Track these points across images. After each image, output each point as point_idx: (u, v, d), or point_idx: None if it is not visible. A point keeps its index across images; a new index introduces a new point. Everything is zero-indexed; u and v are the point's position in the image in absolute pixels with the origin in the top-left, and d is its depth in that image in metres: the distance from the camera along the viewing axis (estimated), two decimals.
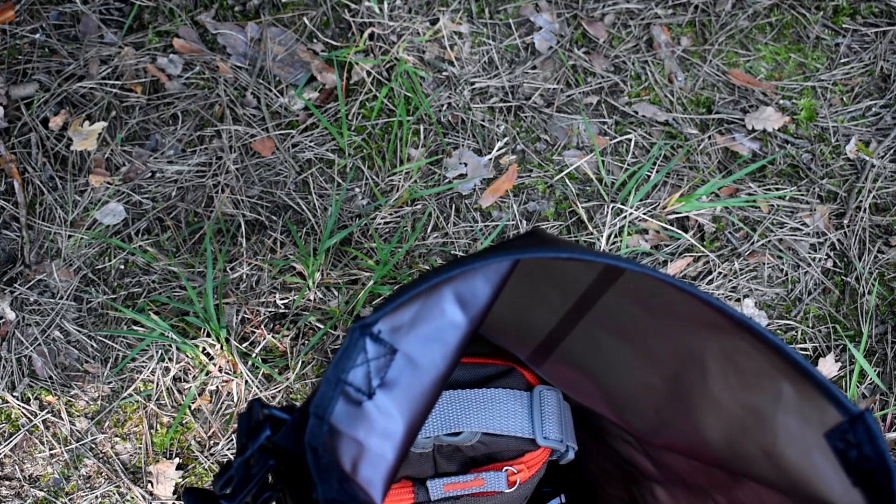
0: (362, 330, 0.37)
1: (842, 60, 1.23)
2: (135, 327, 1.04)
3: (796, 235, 1.12)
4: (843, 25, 1.24)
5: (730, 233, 1.12)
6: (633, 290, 0.46)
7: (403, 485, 0.61)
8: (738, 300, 1.09)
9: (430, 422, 0.59)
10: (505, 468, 0.60)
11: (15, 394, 1.02)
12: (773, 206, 1.14)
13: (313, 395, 0.37)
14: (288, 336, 1.04)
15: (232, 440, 1.01)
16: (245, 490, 0.34)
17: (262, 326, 1.04)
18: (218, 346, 1.01)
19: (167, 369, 1.02)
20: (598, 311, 0.51)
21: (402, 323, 0.38)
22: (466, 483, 0.59)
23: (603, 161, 1.15)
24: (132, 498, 0.99)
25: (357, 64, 1.17)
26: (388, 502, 0.60)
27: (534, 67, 1.20)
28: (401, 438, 0.38)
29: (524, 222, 1.11)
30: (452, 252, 1.09)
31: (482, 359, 0.64)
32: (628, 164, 1.15)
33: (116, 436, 1.02)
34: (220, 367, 1.02)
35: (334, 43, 1.18)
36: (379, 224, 1.10)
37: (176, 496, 0.99)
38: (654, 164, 1.15)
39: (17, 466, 1.00)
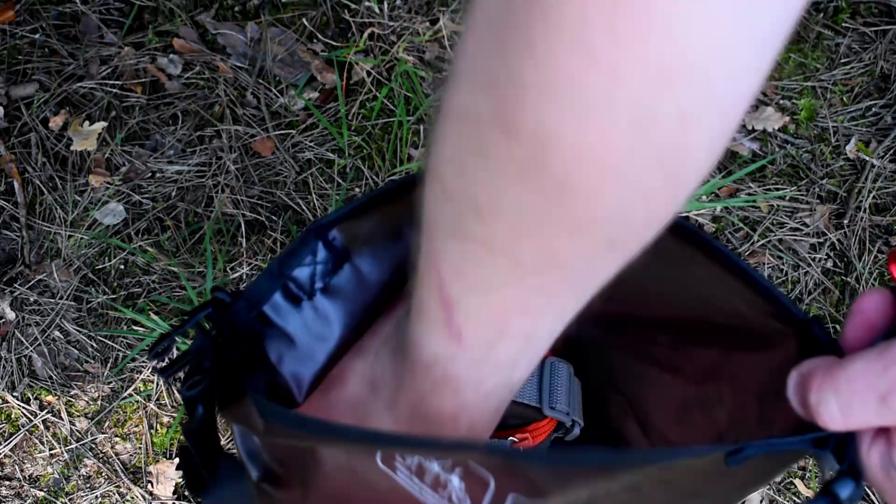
0: (317, 232, 0.37)
1: (842, 60, 1.23)
2: (135, 327, 1.04)
3: (796, 235, 1.12)
4: (844, 25, 1.24)
5: (730, 233, 1.12)
6: None
7: None
8: None
9: None
10: (509, 438, 0.60)
11: (15, 394, 1.02)
12: (773, 206, 1.14)
13: None
14: None
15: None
16: (177, 365, 0.34)
17: None
18: None
19: None
20: None
21: (358, 234, 0.37)
22: None
23: None
24: (132, 498, 0.99)
25: (357, 64, 1.17)
26: None
27: None
28: (334, 345, 0.38)
29: None
30: None
31: None
32: None
33: (116, 436, 1.02)
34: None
35: (334, 43, 1.18)
36: None
37: (176, 496, 0.99)
38: None
39: (17, 466, 1.00)
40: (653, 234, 0.26)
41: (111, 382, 1.03)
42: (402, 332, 0.34)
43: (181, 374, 0.35)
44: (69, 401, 1.02)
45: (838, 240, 1.13)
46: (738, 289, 0.36)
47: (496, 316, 0.29)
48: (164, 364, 0.34)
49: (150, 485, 0.99)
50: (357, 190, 1.12)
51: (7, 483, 1.00)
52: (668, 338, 0.47)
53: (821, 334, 0.32)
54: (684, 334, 0.46)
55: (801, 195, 1.15)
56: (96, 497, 0.99)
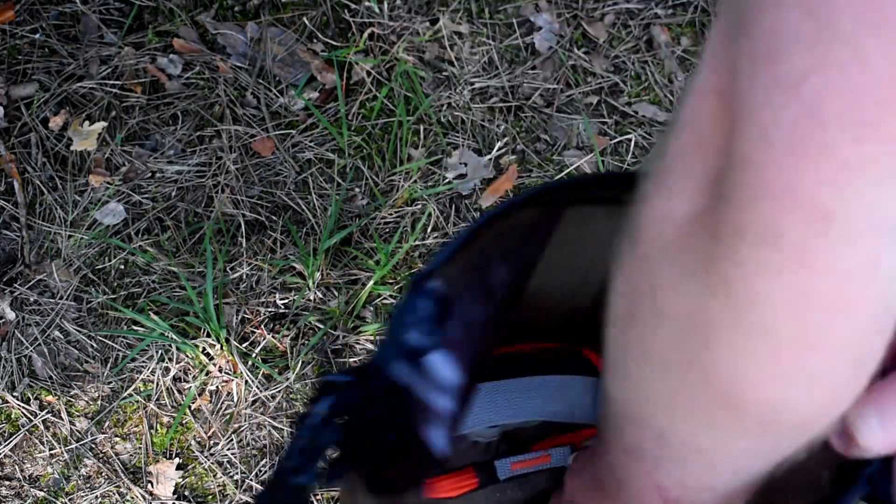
0: (417, 285, 0.37)
1: None
2: (135, 327, 1.04)
3: None
4: None
5: None
6: None
7: (466, 473, 0.61)
8: None
9: (499, 411, 0.59)
10: (568, 444, 0.60)
11: (15, 394, 1.02)
12: None
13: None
14: (288, 336, 1.04)
15: (232, 440, 1.01)
16: (310, 466, 0.34)
17: (262, 326, 1.04)
18: (218, 346, 1.01)
19: (167, 369, 1.02)
20: None
21: (456, 279, 0.38)
22: (534, 461, 0.60)
23: (603, 161, 1.15)
24: (132, 498, 0.99)
25: (357, 64, 1.17)
26: (450, 489, 0.60)
27: (534, 67, 1.20)
28: (460, 392, 0.38)
29: None
30: None
31: (549, 343, 0.63)
32: (628, 164, 1.15)
33: (116, 436, 1.02)
34: (220, 367, 1.02)
35: (334, 43, 1.18)
36: (379, 224, 1.10)
37: (176, 496, 0.99)
38: None
39: (17, 466, 1.00)
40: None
41: (111, 382, 1.03)
42: None
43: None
44: (69, 401, 1.02)
45: None
46: None
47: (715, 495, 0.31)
48: (293, 465, 0.35)
49: (150, 485, 0.99)
50: (357, 190, 1.12)
51: (7, 483, 1.00)
52: None
53: None
54: None
55: None
56: (96, 497, 0.99)
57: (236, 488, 0.99)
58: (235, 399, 1.02)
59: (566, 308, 0.59)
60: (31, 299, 1.05)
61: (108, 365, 1.03)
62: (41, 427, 1.01)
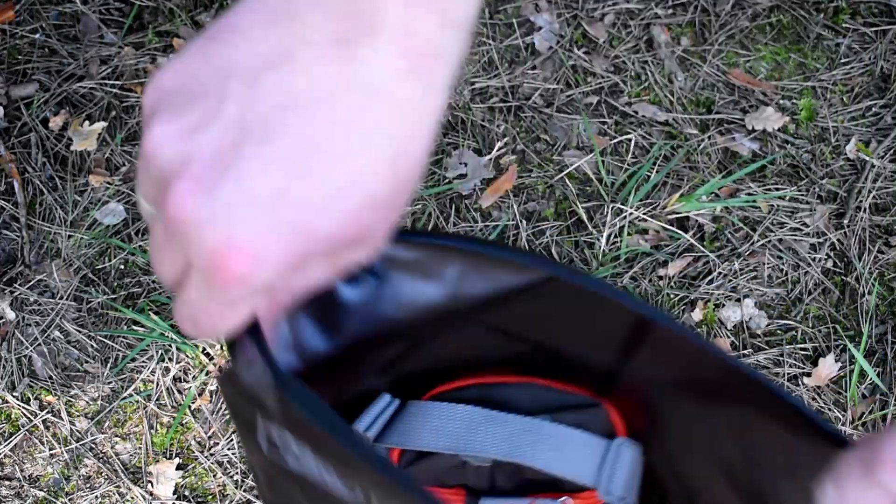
0: None
1: (842, 60, 1.23)
2: (135, 327, 1.04)
3: (796, 235, 1.12)
4: (844, 25, 1.24)
5: (730, 233, 1.12)
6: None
7: (457, 492, 0.59)
8: (738, 300, 1.09)
9: (494, 445, 0.55)
10: (562, 499, 0.58)
11: (15, 394, 1.02)
12: (773, 206, 1.14)
13: None
14: None
15: (232, 440, 1.01)
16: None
17: None
18: (218, 346, 1.01)
19: (167, 369, 1.03)
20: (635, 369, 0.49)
21: (399, 260, 0.38)
22: None
23: (603, 161, 1.15)
24: (132, 498, 0.99)
25: None
26: None
27: (534, 67, 1.20)
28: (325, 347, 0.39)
29: (524, 222, 1.11)
30: None
31: (570, 386, 0.60)
32: (628, 164, 1.15)
33: (116, 436, 1.02)
34: (220, 367, 1.02)
35: None
36: None
37: (176, 496, 0.99)
38: (654, 164, 1.15)
39: (17, 466, 1.00)
40: None
41: (111, 382, 1.03)
42: None
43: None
44: (69, 401, 1.02)
45: (838, 240, 1.13)
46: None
47: None
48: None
49: (150, 485, 0.99)
50: None
51: (7, 483, 1.00)
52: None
53: None
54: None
55: (801, 195, 1.15)
56: (96, 497, 0.99)
57: (236, 488, 0.99)
58: None
59: (587, 360, 0.55)
60: (31, 299, 1.05)
61: (108, 365, 1.03)
62: (41, 427, 1.01)
